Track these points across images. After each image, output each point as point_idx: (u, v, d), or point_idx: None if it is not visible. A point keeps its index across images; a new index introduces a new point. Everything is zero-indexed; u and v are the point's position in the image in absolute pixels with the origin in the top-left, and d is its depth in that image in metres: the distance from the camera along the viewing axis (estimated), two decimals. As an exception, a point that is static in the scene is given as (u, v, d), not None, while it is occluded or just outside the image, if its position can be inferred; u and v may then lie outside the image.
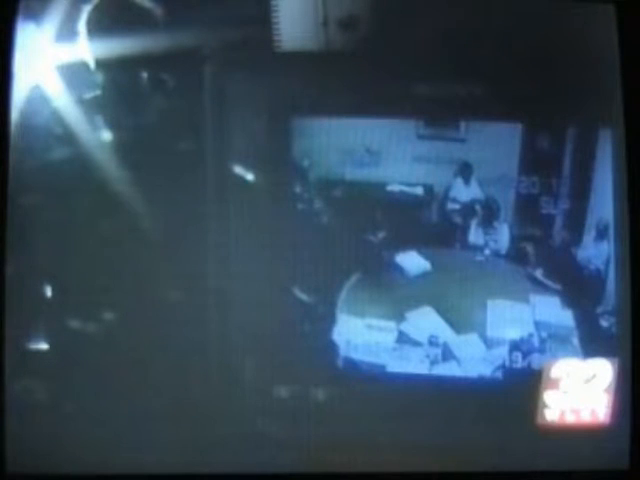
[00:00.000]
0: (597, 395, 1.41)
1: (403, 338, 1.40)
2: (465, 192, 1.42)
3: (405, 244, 1.41)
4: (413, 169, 1.41)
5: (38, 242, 1.34)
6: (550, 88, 1.40)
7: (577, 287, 1.42)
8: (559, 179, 1.42)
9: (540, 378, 1.40)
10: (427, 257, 1.41)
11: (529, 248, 1.42)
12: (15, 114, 1.32)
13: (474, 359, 1.40)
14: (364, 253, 1.40)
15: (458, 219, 1.43)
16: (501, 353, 1.41)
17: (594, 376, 1.40)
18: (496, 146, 1.41)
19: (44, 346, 1.34)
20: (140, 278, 1.36)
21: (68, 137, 1.34)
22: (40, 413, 1.34)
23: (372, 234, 1.40)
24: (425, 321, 1.40)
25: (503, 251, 1.42)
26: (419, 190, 1.41)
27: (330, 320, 1.39)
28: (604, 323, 1.41)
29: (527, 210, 1.42)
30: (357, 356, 1.39)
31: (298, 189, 1.39)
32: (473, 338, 1.40)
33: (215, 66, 1.36)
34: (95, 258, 1.35)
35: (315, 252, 1.38)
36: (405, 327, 1.40)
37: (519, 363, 1.41)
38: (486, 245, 1.43)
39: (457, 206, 1.42)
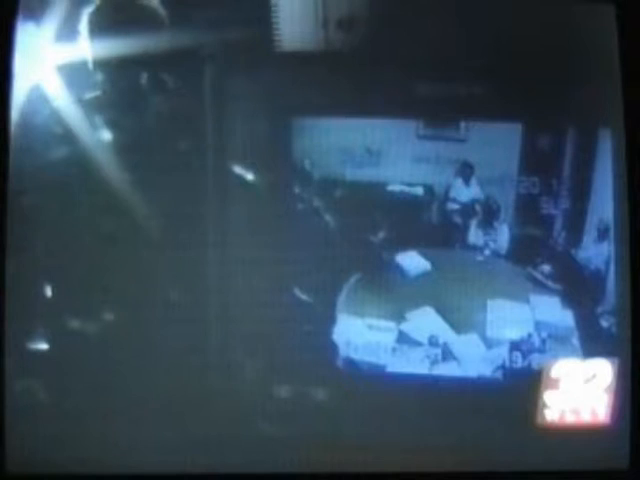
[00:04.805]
0: (597, 395, 1.41)
1: (403, 338, 1.40)
2: (465, 192, 1.42)
3: (405, 244, 1.41)
4: (413, 169, 1.41)
5: (38, 242, 1.34)
6: (550, 88, 1.40)
7: (577, 287, 1.42)
8: (559, 179, 1.42)
9: (540, 378, 1.40)
10: (427, 257, 1.41)
11: (529, 248, 1.42)
12: (15, 114, 1.32)
13: (474, 359, 1.41)
14: (364, 253, 1.40)
15: (458, 219, 1.43)
16: (501, 353, 1.41)
17: (594, 376, 1.41)
18: (496, 146, 1.41)
19: (44, 346, 1.34)
20: (140, 278, 1.36)
21: (68, 137, 1.34)
22: (40, 413, 1.34)
23: (372, 234, 1.40)
24: (425, 321, 1.40)
25: (503, 251, 1.42)
26: (419, 190, 1.41)
27: (330, 320, 1.39)
28: (604, 323, 1.41)
29: (527, 210, 1.42)
30: (357, 356, 1.39)
31: (298, 189, 1.39)
32: (473, 338, 1.41)
33: (215, 66, 1.36)
34: (95, 258, 1.35)
35: (315, 252, 1.38)
36: (405, 327, 1.40)
37: (519, 363, 1.41)
38: (486, 245, 1.43)
39: (457, 206, 1.42)
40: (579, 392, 1.41)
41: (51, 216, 1.35)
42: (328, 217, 1.39)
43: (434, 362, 1.40)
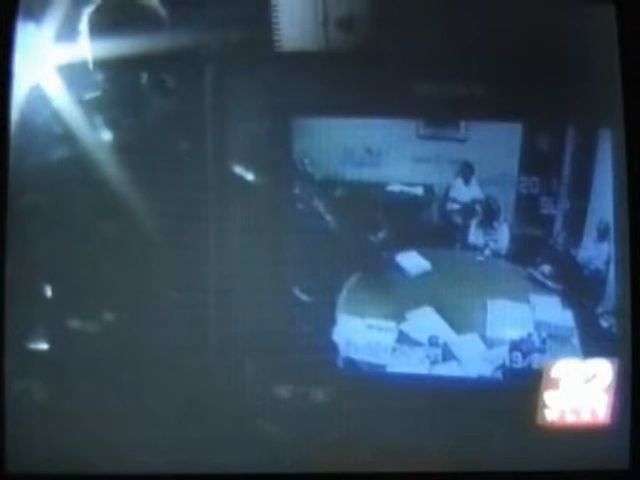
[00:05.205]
0: (597, 395, 1.41)
1: (403, 338, 1.40)
2: (465, 192, 1.42)
3: (405, 244, 1.41)
4: (413, 169, 1.41)
5: (38, 242, 1.34)
6: (550, 88, 1.40)
7: (577, 287, 1.42)
8: (559, 179, 1.42)
9: (540, 378, 1.40)
10: (427, 257, 1.41)
11: (529, 248, 1.42)
12: (15, 114, 1.32)
13: (474, 359, 1.41)
14: (364, 253, 1.40)
15: (458, 219, 1.43)
16: (501, 353, 1.41)
17: (594, 376, 1.41)
18: (496, 146, 1.41)
19: (44, 346, 1.34)
20: (140, 278, 1.36)
21: (68, 137, 1.34)
22: (40, 413, 1.34)
23: (372, 234, 1.40)
24: (425, 321, 1.40)
25: (503, 251, 1.42)
26: (419, 190, 1.41)
27: (330, 320, 1.39)
28: (604, 323, 1.41)
29: (527, 210, 1.42)
30: (357, 356, 1.39)
31: (298, 189, 1.39)
32: (473, 338, 1.41)
33: (215, 66, 1.36)
34: (95, 258, 1.35)
35: (315, 252, 1.38)
36: (405, 327, 1.40)
37: (519, 363, 1.41)
38: (486, 245, 1.43)
39: (457, 206, 1.42)
40: (579, 392, 1.41)
41: (51, 216, 1.35)
42: (328, 217, 1.39)
43: (434, 362, 1.40)
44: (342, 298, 1.39)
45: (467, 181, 1.42)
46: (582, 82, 1.41)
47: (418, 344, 1.40)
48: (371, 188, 1.40)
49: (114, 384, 1.34)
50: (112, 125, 1.34)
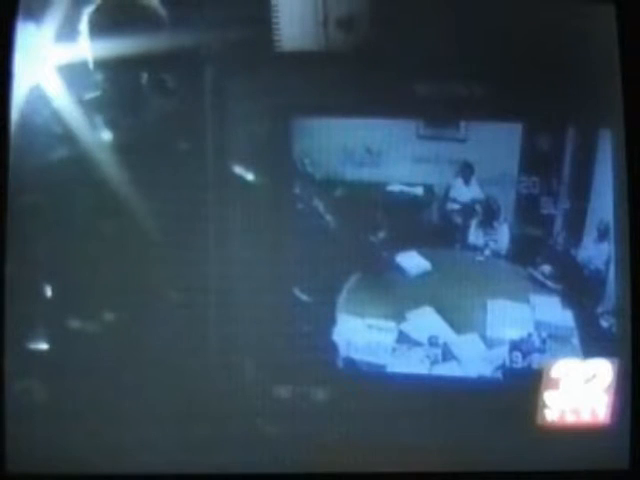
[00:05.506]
0: (597, 395, 1.41)
1: (403, 338, 1.40)
2: (465, 192, 1.42)
3: (405, 244, 1.41)
4: (413, 169, 1.41)
5: (38, 242, 1.34)
6: (550, 88, 1.40)
7: (577, 287, 1.42)
8: (559, 179, 1.42)
9: (540, 378, 1.40)
10: (427, 257, 1.41)
11: (529, 248, 1.42)
12: (15, 114, 1.32)
13: (474, 359, 1.41)
14: (364, 253, 1.40)
15: (458, 219, 1.43)
16: (501, 353, 1.41)
17: (594, 376, 1.41)
18: (496, 146, 1.41)
19: (44, 346, 1.34)
20: (140, 278, 1.36)
21: (68, 137, 1.34)
22: (40, 413, 1.34)
23: (372, 234, 1.40)
24: (425, 321, 1.40)
25: (503, 251, 1.42)
26: (419, 190, 1.41)
27: (330, 320, 1.39)
28: (604, 323, 1.41)
29: (527, 210, 1.42)
30: (357, 356, 1.39)
31: (298, 189, 1.39)
32: (473, 338, 1.41)
33: (215, 66, 1.36)
34: (95, 258, 1.35)
35: (315, 252, 1.38)
36: (405, 327, 1.40)
37: (519, 363, 1.41)
38: (486, 245, 1.43)
39: (457, 206, 1.42)
40: (579, 392, 1.41)
41: (51, 216, 1.35)
42: (328, 217, 1.39)
43: (434, 362, 1.40)
44: (342, 298, 1.39)
45: (467, 181, 1.42)
46: (582, 82, 1.41)
47: (418, 344, 1.40)
48: (371, 188, 1.40)
49: (114, 384, 1.34)
50: (112, 125, 1.35)
